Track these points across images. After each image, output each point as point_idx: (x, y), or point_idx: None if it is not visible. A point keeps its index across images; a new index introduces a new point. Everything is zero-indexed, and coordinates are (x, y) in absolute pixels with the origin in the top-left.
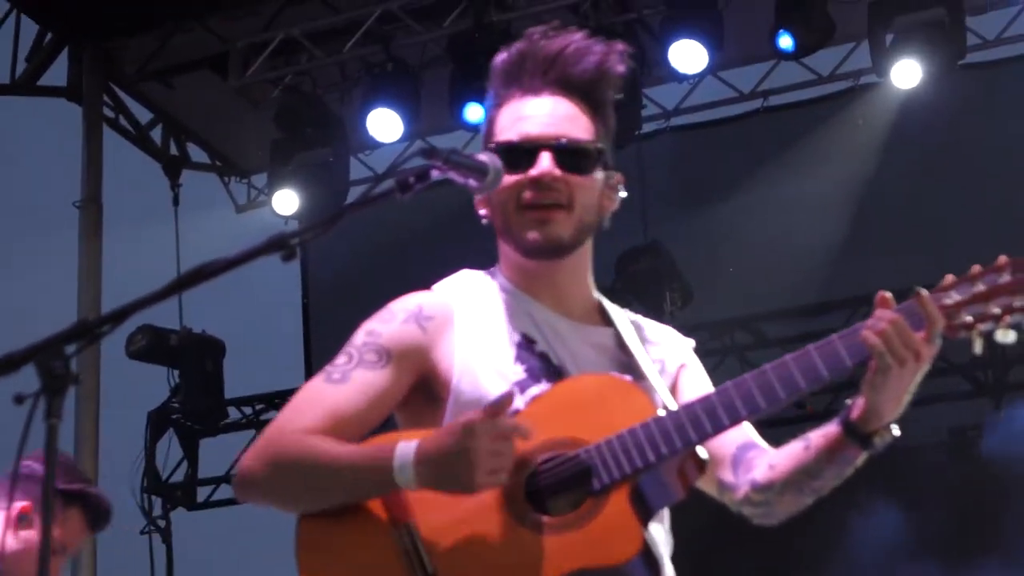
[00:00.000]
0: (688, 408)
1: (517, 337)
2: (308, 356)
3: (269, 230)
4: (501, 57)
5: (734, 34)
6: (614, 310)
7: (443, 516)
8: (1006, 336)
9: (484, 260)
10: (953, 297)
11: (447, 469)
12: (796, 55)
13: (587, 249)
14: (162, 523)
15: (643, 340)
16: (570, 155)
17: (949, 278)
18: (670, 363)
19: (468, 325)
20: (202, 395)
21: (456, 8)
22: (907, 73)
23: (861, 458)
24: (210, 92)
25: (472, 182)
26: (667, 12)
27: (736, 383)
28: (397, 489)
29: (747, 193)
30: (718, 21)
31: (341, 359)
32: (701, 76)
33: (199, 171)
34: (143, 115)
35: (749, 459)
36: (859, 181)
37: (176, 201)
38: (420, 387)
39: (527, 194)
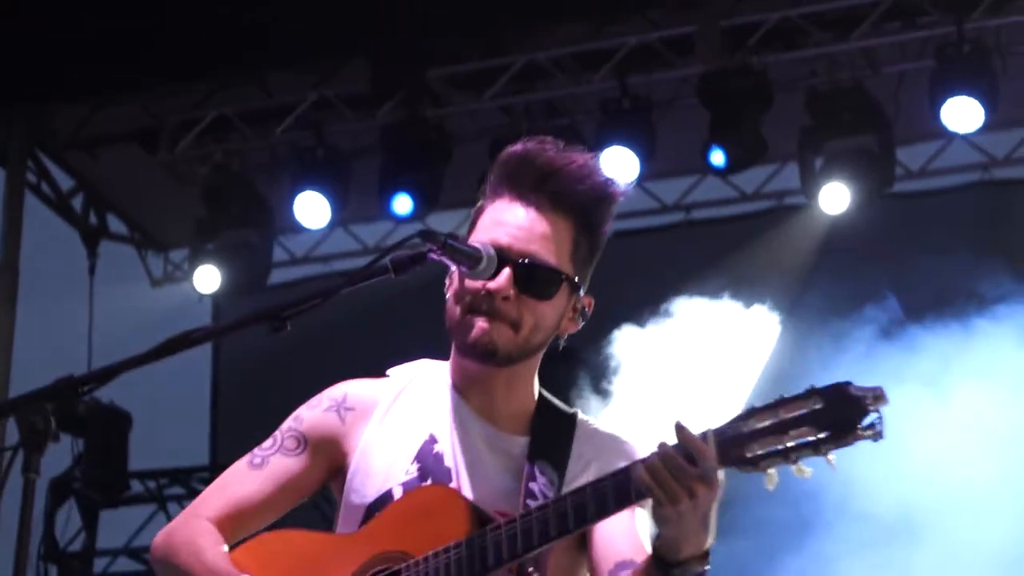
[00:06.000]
0: (495, 531)
1: (425, 435)
2: (215, 433)
3: (184, 306)
4: (505, 152)
5: (661, 146)
6: (551, 416)
7: None
8: (801, 474)
9: (396, 355)
10: (749, 427)
11: None
12: (727, 171)
13: (531, 364)
14: None
15: (570, 447)
16: (531, 276)
17: (751, 407)
18: (598, 469)
19: (383, 419)
20: (105, 466)
21: (391, 99)
22: (835, 197)
23: None
24: (134, 165)
25: (463, 268)
26: (601, 119)
27: (539, 507)
28: None
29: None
30: (650, 132)
31: (268, 442)
32: (630, 186)
33: (117, 242)
34: (66, 183)
35: None
36: (784, 299)
37: (92, 271)
38: (337, 474)
39: (480, 303)
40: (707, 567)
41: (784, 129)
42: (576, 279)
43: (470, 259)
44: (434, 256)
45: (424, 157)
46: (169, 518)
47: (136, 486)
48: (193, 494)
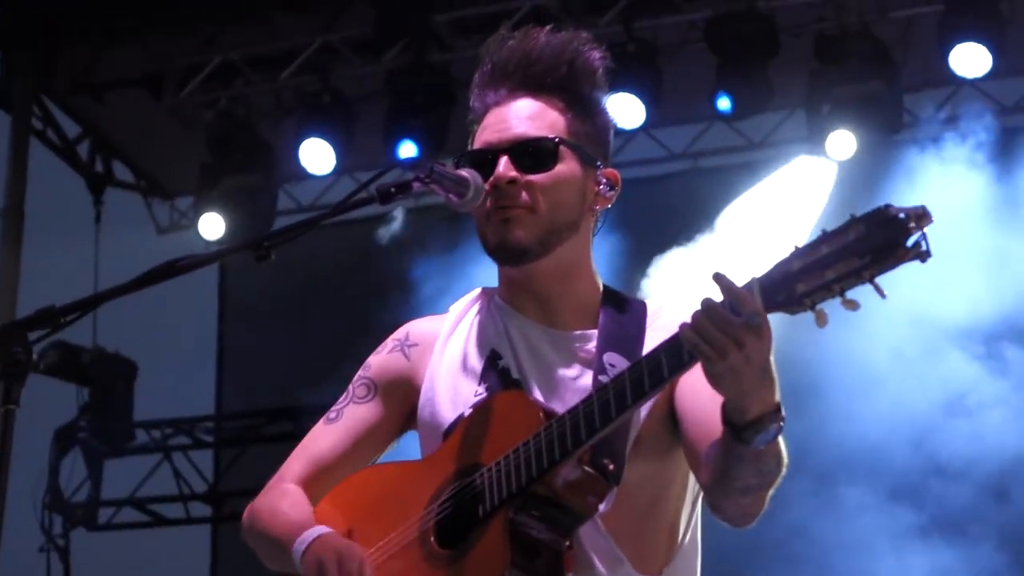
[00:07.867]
0: (559, 421)
1: (487, 354)
2: (220, 382)
3: (190, 253)
4: (476, 75)
5: (667, 93)
6: (619, 306)
7: (377, 554)
8: (850, 307)
9: (407, 299)
10: (793, 267)
11: None
12: (733, 117)
13: (576, 248)
14: (61, 542)
15: (643, 334)
16: (526, 154)
17: (795, 248)
18: None
19: (444, 348)
20: (110, 416)
21: (396, 44)
22: (842, 144)
23: (754, 453)
24: (140, 111)
25: (453, 197)
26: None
27: (598, 389)
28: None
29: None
30: (656, 78)
31: (342, 396)
32: (635, 132)
33: (123, 189)
34: (72, 129)
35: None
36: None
37: (98, 218)
38: (415, 415)
39: (488, 201)
40: (782, 421)
41: (792, 76)
42: (584, 149)
43: (457, 185)
44: (419, 184)
45: (429, 103)
46: (174, 468)
47: (141, 436)
48: (199, 444)
